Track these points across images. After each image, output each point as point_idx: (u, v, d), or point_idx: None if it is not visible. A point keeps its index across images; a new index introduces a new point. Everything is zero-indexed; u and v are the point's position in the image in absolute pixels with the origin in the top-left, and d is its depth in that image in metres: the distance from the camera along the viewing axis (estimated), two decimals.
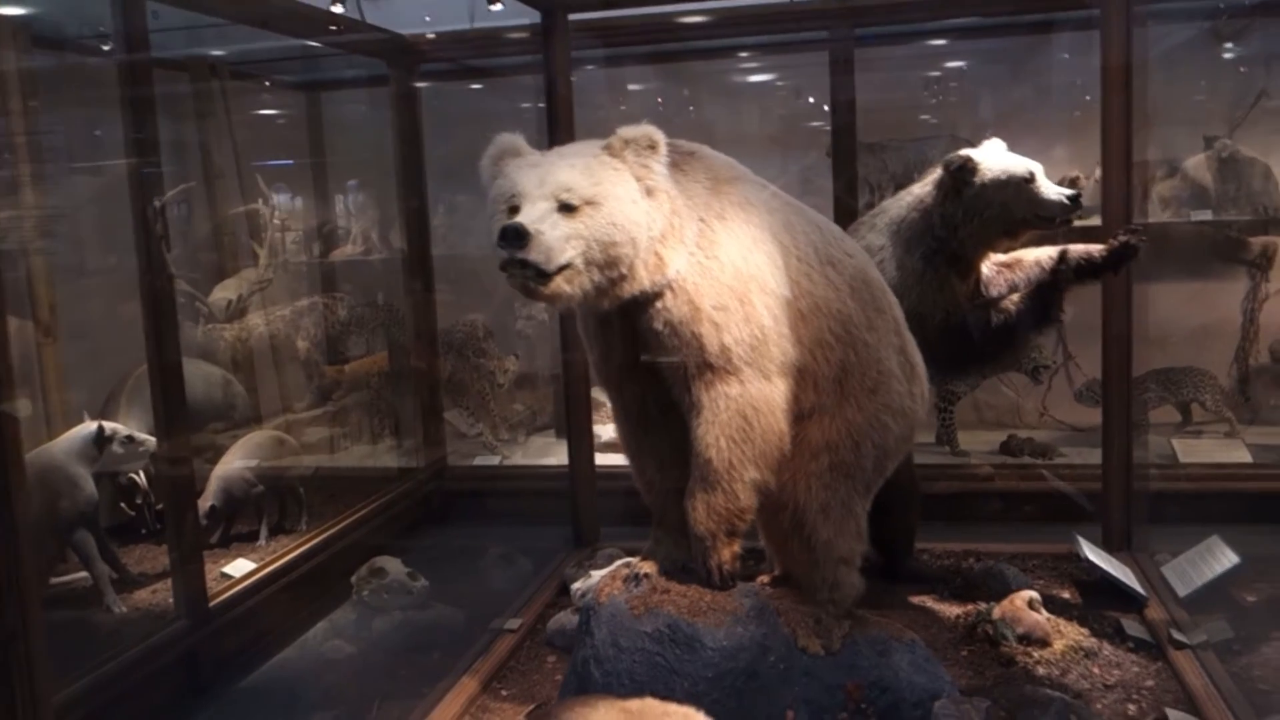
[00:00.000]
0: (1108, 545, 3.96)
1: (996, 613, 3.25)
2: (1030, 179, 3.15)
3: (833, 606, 2.63)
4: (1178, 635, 3.18)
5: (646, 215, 2.35)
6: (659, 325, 2.44)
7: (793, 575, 2.73)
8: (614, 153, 2.38)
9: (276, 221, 5.48)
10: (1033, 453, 5.26)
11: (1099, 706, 2.87)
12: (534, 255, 2.20)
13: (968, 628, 3.28)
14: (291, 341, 5.77)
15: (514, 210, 2.28)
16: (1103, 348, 3.94)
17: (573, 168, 2.31)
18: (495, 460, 5.66)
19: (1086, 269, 3.23)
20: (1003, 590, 3.46)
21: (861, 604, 2.77)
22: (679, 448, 2.58)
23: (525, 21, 4.48)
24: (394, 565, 3.83)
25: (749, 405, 2.43)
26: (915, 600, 3.56)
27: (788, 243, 2.56)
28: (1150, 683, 3.00)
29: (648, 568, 2.66)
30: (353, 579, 3.84)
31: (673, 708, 2.24)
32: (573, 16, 4.28)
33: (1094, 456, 4.25)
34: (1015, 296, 3.24)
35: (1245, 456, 4.88)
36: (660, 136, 2.41)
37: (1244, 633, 3.23)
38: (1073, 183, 3.67)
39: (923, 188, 3.35)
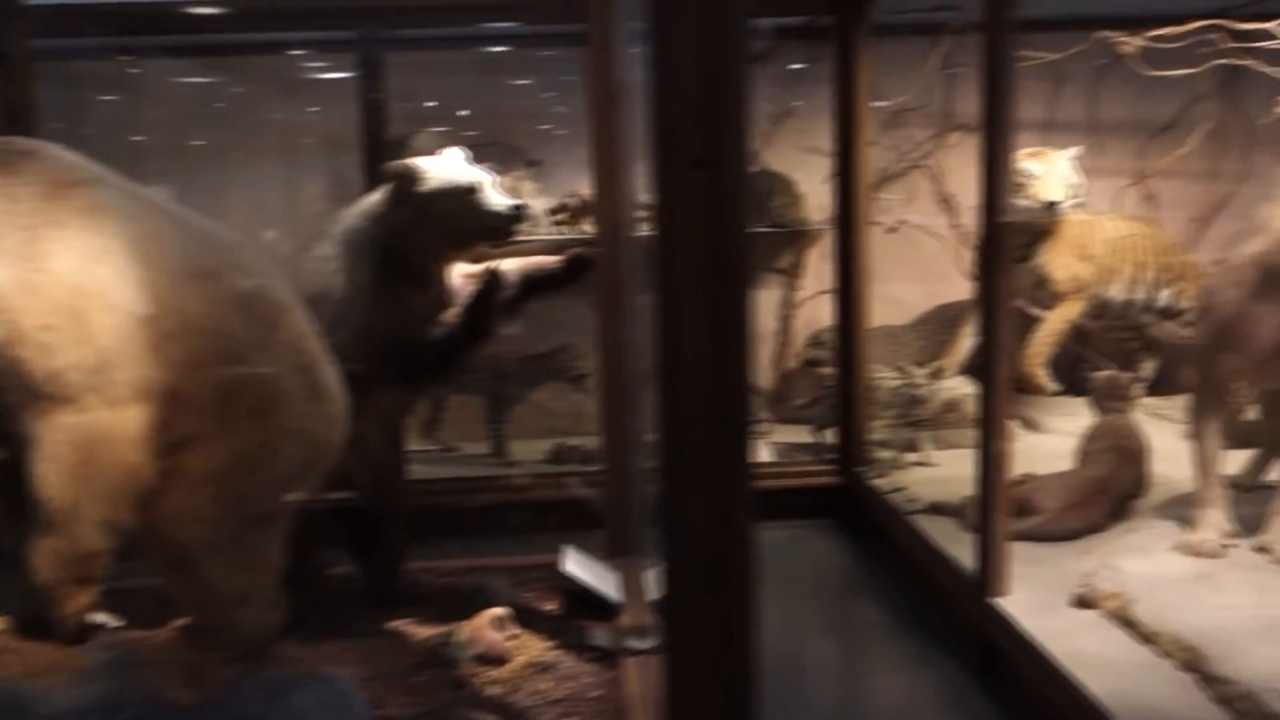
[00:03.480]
0: (610, 552, 4.02)
1: (460, 633, 3.18)
2: (473, 190, 3.09)
3: (227, 650, 2.43)
4: (630, 642, 3.24)
5: None
6: None
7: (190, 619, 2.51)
8: None
9: None
10: (581, 459, 5.32)
11: None
12: None
13: (429, 651, 3.19)
14: None
15: None
16: (601, 357, 4.01)
17: None
18: None
19: (549, 281, 3.27)
20: (485, 606, 3.39)
21: (323, 632, 2.59)
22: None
23: None
24: None
25: (92, 436, 2.18)
26: (394, 625, 3.42)
27: (152, 254, 2.33)
28: (598, 693, 3.02)
29: None
30: None
31: None
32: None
33: None
34: (453, 311, 3.18)
35: (765, 456, 5.19)
36: None
37: None
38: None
39: (377, 195, 3.22)
